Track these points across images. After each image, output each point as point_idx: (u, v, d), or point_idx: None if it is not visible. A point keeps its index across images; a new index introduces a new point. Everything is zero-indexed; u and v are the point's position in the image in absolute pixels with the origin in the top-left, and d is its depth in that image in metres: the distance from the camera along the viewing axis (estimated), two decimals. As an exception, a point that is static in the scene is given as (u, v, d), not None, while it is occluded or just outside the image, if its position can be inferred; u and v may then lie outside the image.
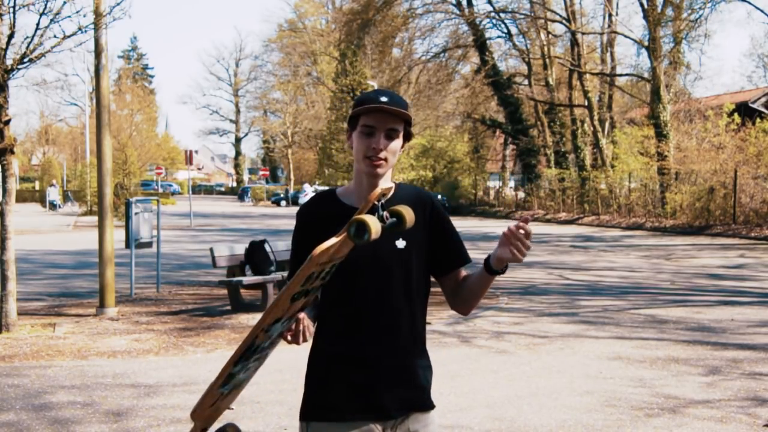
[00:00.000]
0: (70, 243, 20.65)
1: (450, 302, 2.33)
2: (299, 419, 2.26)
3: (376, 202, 2.04)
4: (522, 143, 36.32)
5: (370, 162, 2.17)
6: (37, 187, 58.86)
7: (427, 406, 2.25)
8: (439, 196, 38.24)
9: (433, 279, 2.33)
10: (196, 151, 62.72)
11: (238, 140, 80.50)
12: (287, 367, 6.41)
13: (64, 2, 8.14)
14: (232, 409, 5.71)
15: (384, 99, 2.15)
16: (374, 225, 1.93)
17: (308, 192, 46.42)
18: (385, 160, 2.17)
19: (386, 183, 2.23)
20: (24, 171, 66.74)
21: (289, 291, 1.97)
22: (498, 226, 28.37)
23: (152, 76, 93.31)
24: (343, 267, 2.16)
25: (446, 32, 39.13)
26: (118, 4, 8.69)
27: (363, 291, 2.19)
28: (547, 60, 36.30)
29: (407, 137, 2.25)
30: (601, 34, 35.02)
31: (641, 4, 28.31)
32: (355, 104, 2.20)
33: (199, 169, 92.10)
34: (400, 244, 2.20)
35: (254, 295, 10.34)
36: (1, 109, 8.04)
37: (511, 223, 2.03)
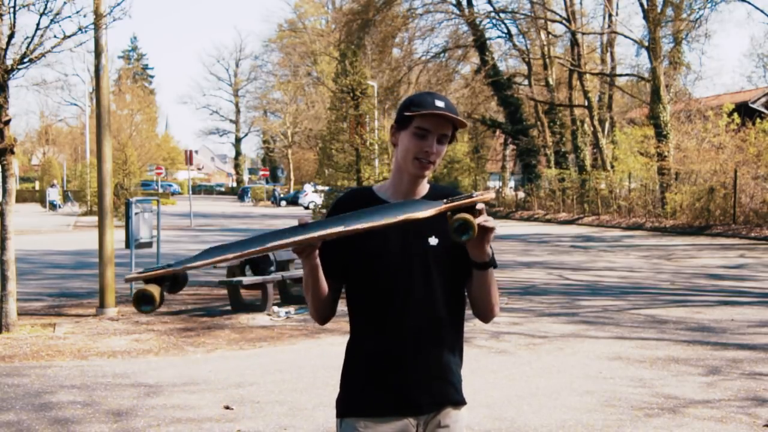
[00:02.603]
0: (70, 243, 20.65)
1: (473, 311, 2.31)
2: (336, 416, 2.28)
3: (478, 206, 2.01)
4: (522, 143, 36.30)
5: (419, 164, 2.19)
6: (37, 187, 58.85)
7: (459, 401, 2.28)
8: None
9: None
10: (196, 151, 62.79)
11: (238, 140, 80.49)
12: (287, 367, 6.42)
13: (64, 2, 8.14)
14: (232, 409, 5.74)
15: (440, 104, 2.17)
16: (476, 228, 1.94)
17: (308, 192, 46.39)
18: (433, 162, 2.21)
19: (424, 183, 2.27)
20: (24, 171, 66.74)
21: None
22: (498, 226, 28.23)
23: (152, 76, 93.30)
24: (376, 265, 2.19)
25: (446, 32, 39.14)
26: (118, 5, 8.70)
27: (397, 289, 2.21)
28: (547, 60, 36.28)
29: (450, 140, 2.28)
30: (601, 34, 35.02)
31: (641, 4, 28.30)
32: (408, 104, 2.21)
33: (199, 169, 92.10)
34: (433, 241, 2.22)
35: (254, 295, 10.34)
36: (1, 109, 8.05)
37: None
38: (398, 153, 2.24)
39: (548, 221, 31.25)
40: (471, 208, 1.97)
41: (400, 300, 2.20)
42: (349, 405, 2.25)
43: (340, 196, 2.37)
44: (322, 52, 57.28)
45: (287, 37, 65.80)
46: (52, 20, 8.05)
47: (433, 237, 2.22)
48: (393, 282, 2.20)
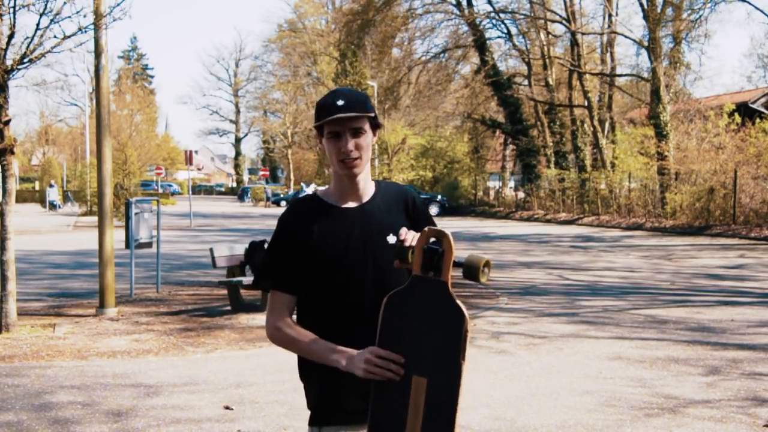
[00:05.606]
0: (70, 243, 20.64)
1: None
2: (309, 424, 2.23)
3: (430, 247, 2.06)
4: (522, 143, 36.30)
5: (344, 165, 2.20)
6: (37, 188, 58.83)
7: None
8: (439, 197, 38.23)
9: None
10: (196, 152, 62.70)
11: (238, 140, 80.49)
12: (287, 367, 6.41)
13: (64, 2, 8.14)
14: (232, 409, 5.72)
15: (340, 103, 2.15)
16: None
17: (308, 191, 46.44)
18: (359, 158, 2.20)
19: (367, 181, 2.27)
20: (24, 171, 66.72)
21: None
22: (498, 227, 28.37)
23: (152, 77, 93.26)
24: (339, 268, 2.16)
25: (446, 32, 39.19)
26: (118, 5, 8.70)
27: (361, 290, 2.18)
28: (547, 60, 36.29)
29: (376, 127, 2.27)
30: (601, 34, 35.02)
31: (641, 4, 28.31)
32: (316, 110, 2.21)
33: (199, 169, 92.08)
34: (392, 239, 2.22)
35: (254, 295, 10.34)
36: (1, 109, 8.04)
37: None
38: (328, 158, 2.26)
39: (548, 221, 31.25)
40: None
41: (365, 302, 2.17)
42: (328, 413, 2.19)
43: (288, 209, 2.31)
44: (322, 53, 57.27)
45: (287, 38, 65.80)
46: (52, 20, 8.05)
47: (392, 235, 2.22)
48: (356, 285, 2.18)
